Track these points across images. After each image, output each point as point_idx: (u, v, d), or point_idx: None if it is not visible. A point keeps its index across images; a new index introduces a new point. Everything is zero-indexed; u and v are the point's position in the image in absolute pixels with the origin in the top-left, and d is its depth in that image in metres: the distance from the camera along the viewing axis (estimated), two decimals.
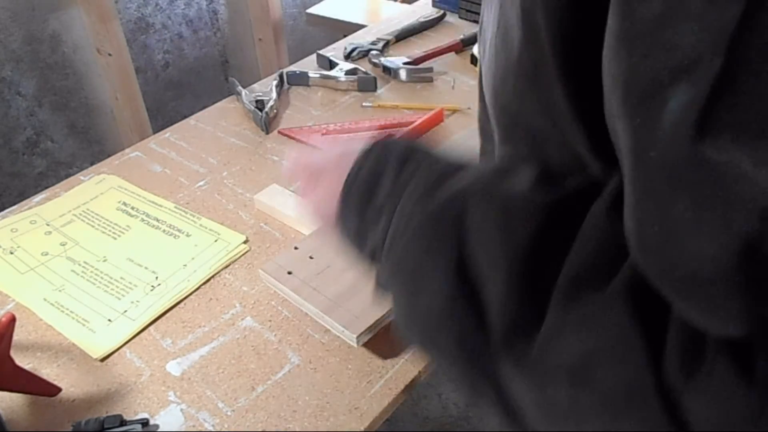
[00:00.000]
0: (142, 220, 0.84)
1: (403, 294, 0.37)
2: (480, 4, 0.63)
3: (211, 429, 0.59)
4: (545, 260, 0.30)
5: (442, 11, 1.34)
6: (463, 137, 0.92)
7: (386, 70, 1.14)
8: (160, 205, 0.86)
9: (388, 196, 0.38)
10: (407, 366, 0.64)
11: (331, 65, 1.15)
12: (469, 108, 1.02)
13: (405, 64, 1.13)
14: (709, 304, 0.24)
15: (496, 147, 0.40)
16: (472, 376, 0.34)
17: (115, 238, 0.81)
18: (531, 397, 0.31)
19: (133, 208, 0.86)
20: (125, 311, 0.71)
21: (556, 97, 0.31)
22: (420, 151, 0.40)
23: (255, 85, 1.13)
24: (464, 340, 0.33)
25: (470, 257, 0.33)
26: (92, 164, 1.03)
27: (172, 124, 1.05)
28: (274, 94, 1.06)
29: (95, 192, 0.89)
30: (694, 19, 0.21)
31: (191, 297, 0.72)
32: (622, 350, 0.27)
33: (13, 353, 0.58)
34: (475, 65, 1.14)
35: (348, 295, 0.66)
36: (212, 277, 0.75)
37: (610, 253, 0.29)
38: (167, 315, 0.70)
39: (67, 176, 0.99)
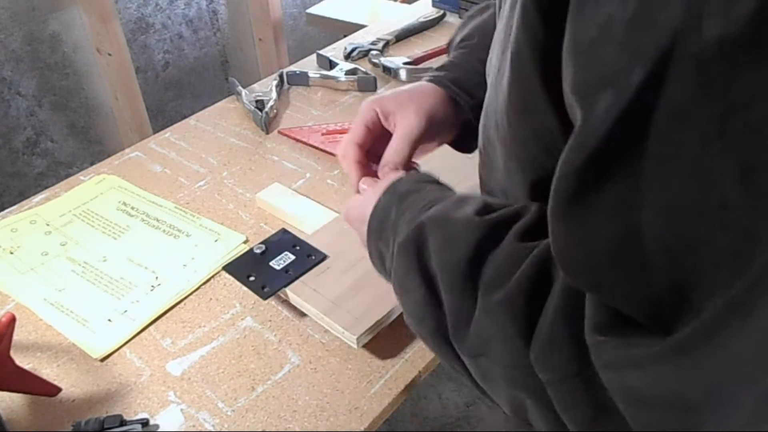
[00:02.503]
0: (142, 220, 0.84)
1: (399, 300, 0.50)
2: (479, 4, 0.64)
3: (211, 429, 0.59)
4: (477, 267, 0.43)
5: (442, 11, 1.34)
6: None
7: (386, 70, 1.14)
8: (160, 205, 0.86)
9: (391, 229, 0.51)
10: (407, 366, 0.64)
11: (331, 65, 1.15)
12: None
13: (405, 64, 1.13)
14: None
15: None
16: (445, 355, 0.47)
17: (115, 238, 0.81)
18: (471, 368, 0.44)
19: (133, 208, 0.86)
20: (125, 311, 0.71)
21: (548, 123, 0.37)
22: (412, 192, 0.52)
23: (255, 85, 1.13)
24: (434, 332, 0.46)
25: (431, 269, 0.46)
26: (92, 164, 1.03)
27: (172, 124, 1.05)
28: (274, 94, 1.06)
29: (95, 192, 0.89)
30: (618, 42, 0.28)
31: (191, 297, 0.72)
32: (504, 334, 0.40)
33: (13, 353, 0.58)
34: None
35: (348, 296, 0.66)
36: (212, 277, 0.75)
37: (514, 263, 0.41)
38: (167, 315, 0.70)
39: (67, 176, 0.99)
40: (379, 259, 0.54)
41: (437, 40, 1.25)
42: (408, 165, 0.61)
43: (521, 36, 0.36)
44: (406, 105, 0.62)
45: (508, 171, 0.45)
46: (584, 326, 0.36)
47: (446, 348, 0.46)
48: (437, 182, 0.55)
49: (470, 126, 0.63)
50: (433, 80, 0.64)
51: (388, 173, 0.59)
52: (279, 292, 0.68)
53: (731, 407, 0.29)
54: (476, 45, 0.67)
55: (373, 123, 0.63)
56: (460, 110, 0.64)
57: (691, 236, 0.28)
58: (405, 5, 1.73)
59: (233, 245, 0.78)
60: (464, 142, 0.67)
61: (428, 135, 0.62)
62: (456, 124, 0.65)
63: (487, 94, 0.48)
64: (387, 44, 1.23)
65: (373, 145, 0.63)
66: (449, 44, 0.73)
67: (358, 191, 0.61)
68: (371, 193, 0.56)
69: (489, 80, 0.48)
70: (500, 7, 0.47)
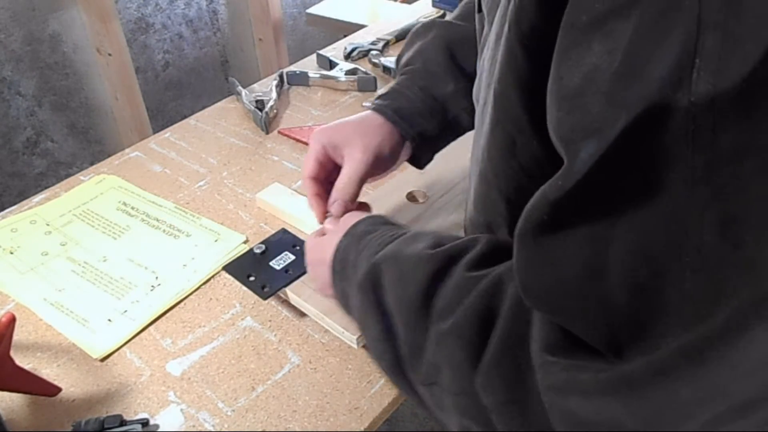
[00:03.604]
0: (142, 220, 0.84)
1: (362, 336, 0.52)
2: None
3: (211, 429, 0.59)
4: (429, 299, 0.44)
5: (442, 11, 1.34)
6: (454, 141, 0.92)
7: (386, 70, 1.14)
8: (160, 205, 0.86)
9: (352, 269, 0.53)
10: None
11: (331, 65, 1.15)
12: None
13: None
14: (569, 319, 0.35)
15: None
16: (404, 388, 0.48)
17: (115, 238, 0.81)
18: (426, 398, 0.45)
19: (133, 208, 0.86)
20: (125, 311, 0.71)
21: (537, 157, 0.37)
22: (369, 233, 0.54)
23: (255, 85, 1.13)
24: (393, 366, 0.47)
25: (387, 305, 0.47)
26: (92, 164, 1.03)
27: (172, 124, 1.05)
28: (274, 94, 1.06)
29: (95, 192, 0.89)
30: (603, 93, 0.28)
31: (191, 297, 0.72)
32: (453, 362, 0.41)
33: (13, 353, 0.58)
34: None
35: None
36: (212, 277, 0.75)
37: (461, 294, 0.42)
38: (167, 315, 0.70)
39: (67, 176, 0.99)
40: (344, 299, 0.55)
41: None
42: (355, 199, 0.66)
43: (507, 76, 0.36)
44: (353, 141, 0.65)
45: (487, 202, 0.45)
46: (527, 353, 0.37)
47: (404, 381, 0.48)
48: (392, 223, 0.57)
49: (415, 152, 0.70)
50: (378, 110, 0.68)
51: (339, 210, 0.64)
52: (279, 292, 0.68)
53: None
54: (417, 71, 0.70)
55: (324, 155, 0.66)
56: (403, 140, 0.68)
57: (660, 276, 0.29)
58: (405, 5, 1.73)
59: (233, 245, 0.78)
60: (414, 162, 0.72)
61: (375, 170, 0.66)
62: (400, 152, 0.69)
63: (476, 123, 0.48)
64: (387, 44, 1.23)
65: (328, 176, 0.67)
66: (398, 60, 0.76)
67: (321, 222, 0.66)
68: (329, 237, 0.58)
69: (477, 109, 0.48)
70: (485, 33, 0.46)
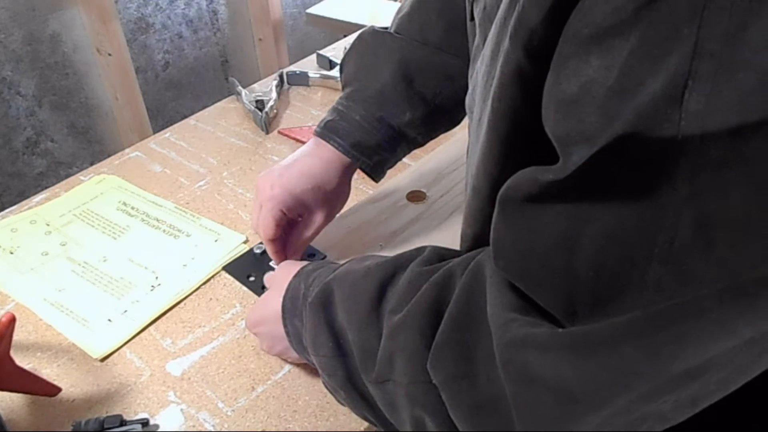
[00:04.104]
0: (142, 220, 0.84)
1: (315, 362, 0.53)
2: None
3: (211, 429, 0.59)
4: (379, 302, 0.47)
5: None
6: (454, 141, 0.92)
7: None
8: (160, 205, 0.86)
9: (302, 300, 0.55)
10: None
11: (331, 65, 1.15)
12: None
13: None
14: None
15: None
16: (356, 404, 0.50)
17: (115, 238, 0.81)
18: (380, 400, 0.47)
19: (133, 208, 0.86)
20: (125, 311, 0.71)
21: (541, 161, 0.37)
22: (318, 268, 0.57)
23: (255, 85, 1.13)
24: (344, 382, 0.49)
25: (338, 322, 0.50)
26: (92, 164, 1.03)
27: (172, 124, 1.05)
28: (274, 94, 1.06)
29: (95, 192, 0.89)
30: (598, 106, 0.29)
31: (191, 297, 0.72)
32: (407, 351, 0.43)
33: (13, 353, 0.58)
34: None
35: None
36: (212, 277, 0.75)
37: (413, 288, 0.45)
38: (167, 315, 0.70)
39: (67, 176, 0.99)
40: (296, 338, 0.56)
41: None
42: None
43: (510, 90, 0.35)
44: (314, 204, 0.69)
45: (479, 217, 0.45)
46: (477, 331, 0.39)
47: (357, 396, 0.49)
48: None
49: (370, 175, 0.72)
50: (333, 142, 0.69)
51: (298, 257, 0.70)
52: None
53: (604, 407, 0.32)
54: (372, 97, 0.69)
55: (283, 219, 0.69)
56: (358, 166, 0.71)
57: (627, 260, 0.30)
58: None
59: (233, 245, 0.78)
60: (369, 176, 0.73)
61: (331, 220, 0.72)
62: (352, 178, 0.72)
63: (470, 136, 0.48)
64: None
65: (285, 228, 0.70)
66: (342, 65, 0.74)
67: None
68: (269, 294, 0.61)
69: (471, 121, 0.47)
70: (476, 44, 0.45)
